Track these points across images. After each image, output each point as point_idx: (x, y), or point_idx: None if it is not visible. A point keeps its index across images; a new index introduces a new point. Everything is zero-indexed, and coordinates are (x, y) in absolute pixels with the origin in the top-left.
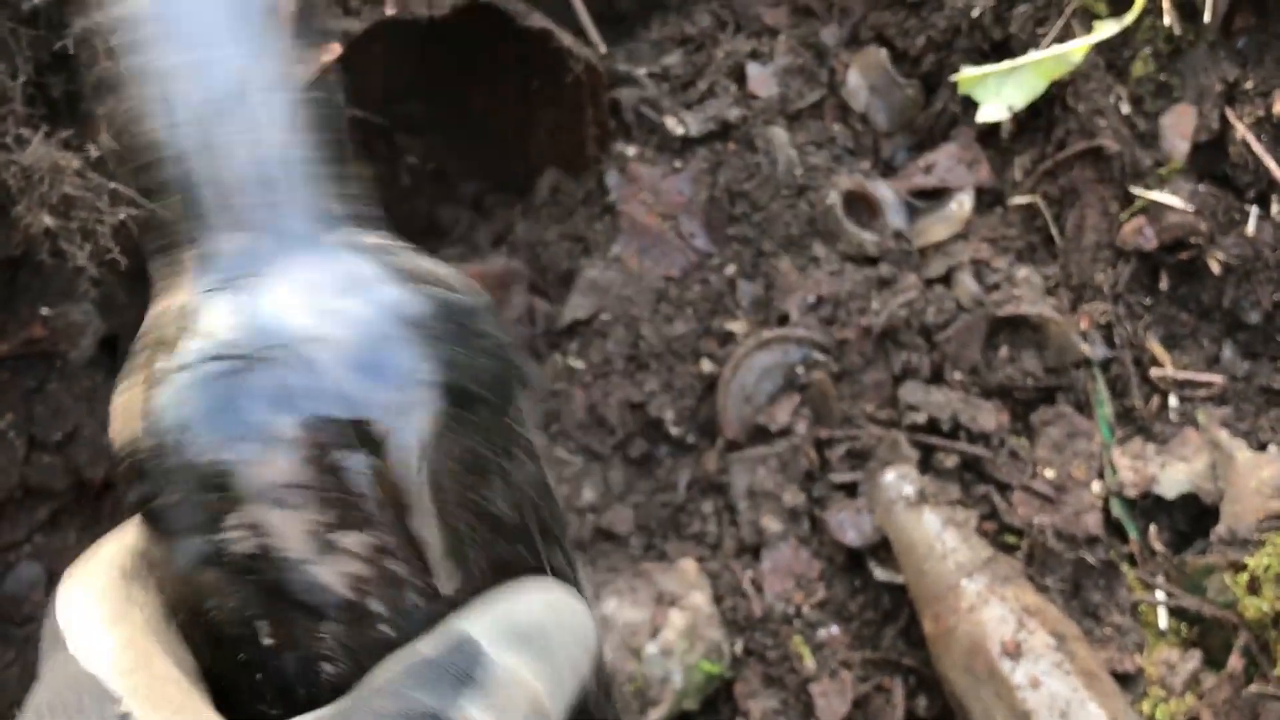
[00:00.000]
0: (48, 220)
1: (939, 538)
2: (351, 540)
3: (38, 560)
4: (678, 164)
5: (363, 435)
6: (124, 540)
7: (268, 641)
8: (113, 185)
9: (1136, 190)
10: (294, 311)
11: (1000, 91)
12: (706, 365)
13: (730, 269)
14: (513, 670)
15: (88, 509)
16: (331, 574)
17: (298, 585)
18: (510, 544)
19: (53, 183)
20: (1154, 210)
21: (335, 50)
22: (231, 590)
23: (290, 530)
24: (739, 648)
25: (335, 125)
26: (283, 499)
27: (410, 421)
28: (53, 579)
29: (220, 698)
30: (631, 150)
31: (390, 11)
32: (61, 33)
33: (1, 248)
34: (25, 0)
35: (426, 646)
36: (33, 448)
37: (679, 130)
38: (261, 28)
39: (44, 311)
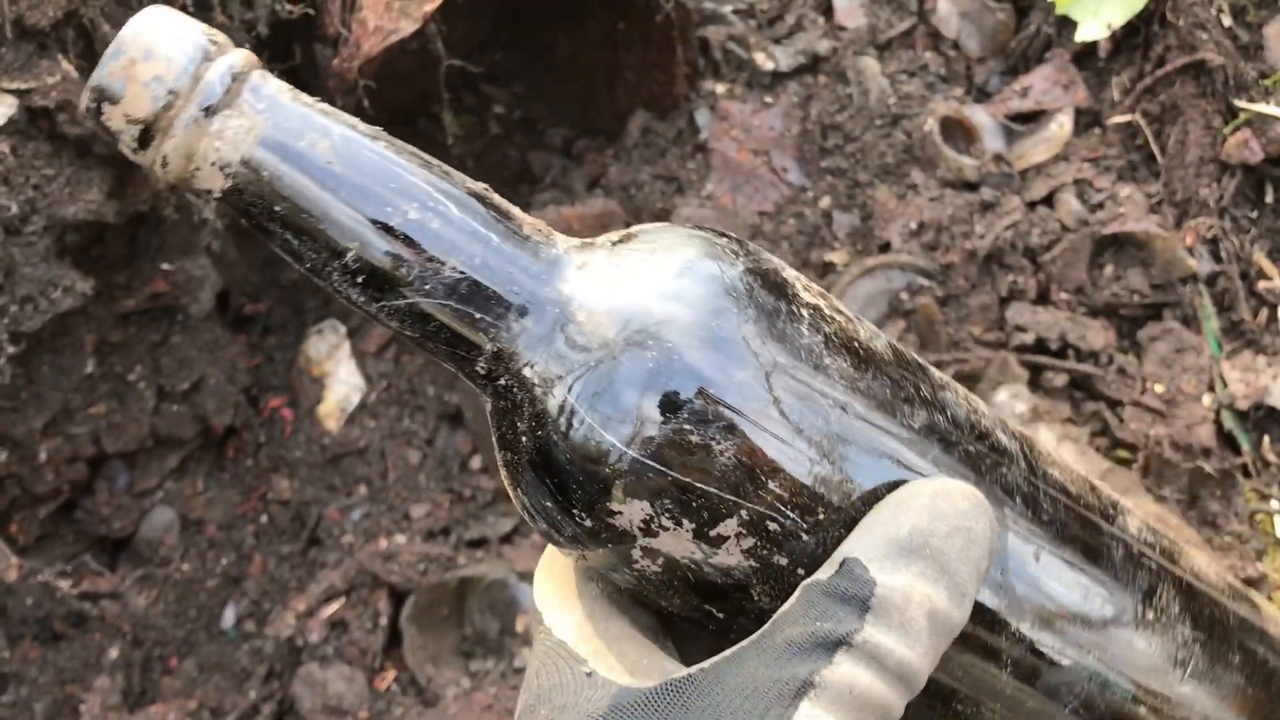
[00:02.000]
0: None
1: (1055, 453)
2: (730, 525)
3: (170, 505)
4: (768, 99)
5: (716, 408)
6: None
7: (716, 622)
8: None
9: (1240, 103)
10: (640, 300)
11: (1099, 10)
12: None
13: (825, 201)
14: (903, 587)
15: (213, 455)
16: (731, 559)
17: (711, 580)
18: (876, 434)
19: None
20: (1259, 123)
21: (436, 1)
22: (658, 596)
23: (676, 545)
24: None
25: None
26: (662, 502)
27: (752, 382)
28: (185, 523)
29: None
30: (721, 88)
31: None
32: None
33: (129, 204)
34: None
35: (823, 574)
36: (161, 398)
37: (768, 65)
38: (401, 161)
39: (165, 267)
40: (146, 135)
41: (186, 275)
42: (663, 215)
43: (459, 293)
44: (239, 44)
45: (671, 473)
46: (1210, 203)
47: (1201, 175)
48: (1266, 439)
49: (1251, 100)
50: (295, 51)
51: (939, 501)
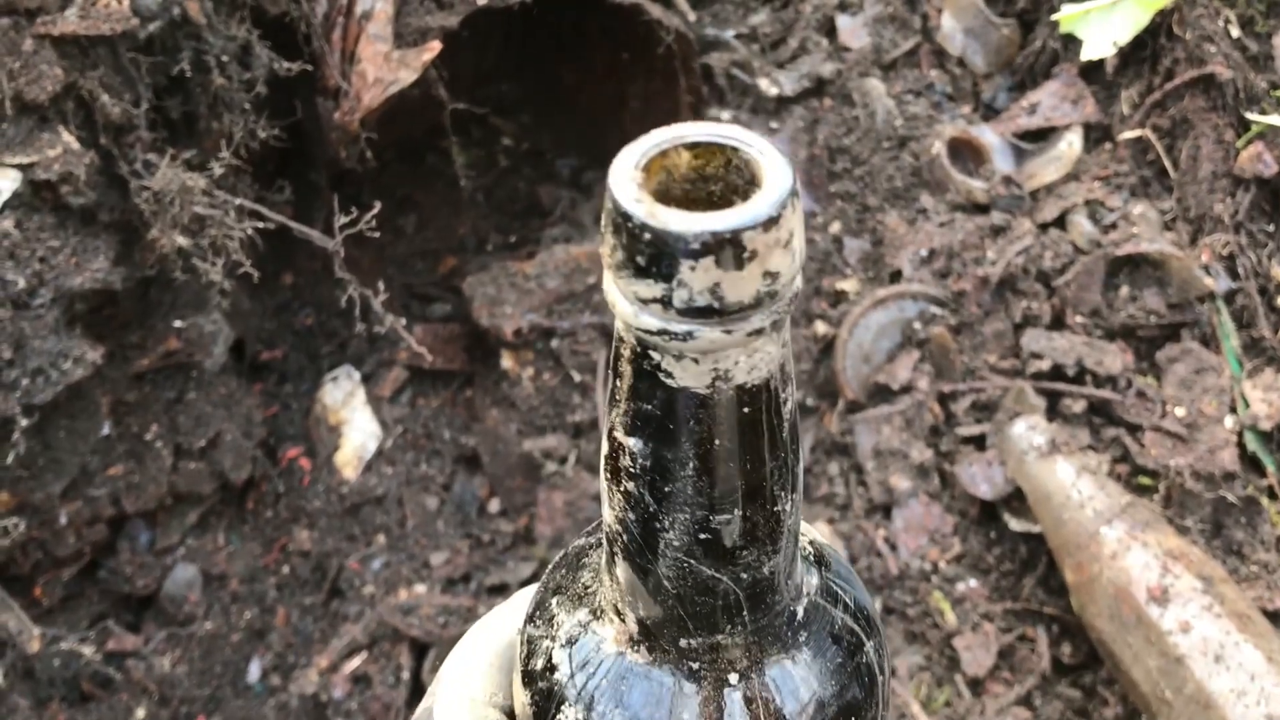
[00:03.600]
0: (181, 240)
1: (1074, 486)
2: None
3: (192, 561)
4: (774, 124)
5: None
6: (499, 633)
7: None
8: (239, 200)
9: (1252, 116)
10: None
11: (1104, 28)
12: (820, 326)
13: (835, 226)
14: None
15: (233, 508)
16: None
17: None
18: None
19: (183, 204)
20: (1271, 135)
21: (435, 48)
22: None
23: None
24: (878, 606)
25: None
26: None
27: None
28: (208, 579)
29: None
30: (726, 114)
31: (483, 1)
32: (176, 56)
33: (136, 269)
34: (141, 28)
35: None
36: (179, 456)
37: (773, 90)
38: None
39: (177, 324)
40: None
41: (199, 331)
42: None
43: None
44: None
45: None
46: (1225, 218)
47: (1215, 190)
48: None
49: (1263, 112)
50: (296, 107)
51: None
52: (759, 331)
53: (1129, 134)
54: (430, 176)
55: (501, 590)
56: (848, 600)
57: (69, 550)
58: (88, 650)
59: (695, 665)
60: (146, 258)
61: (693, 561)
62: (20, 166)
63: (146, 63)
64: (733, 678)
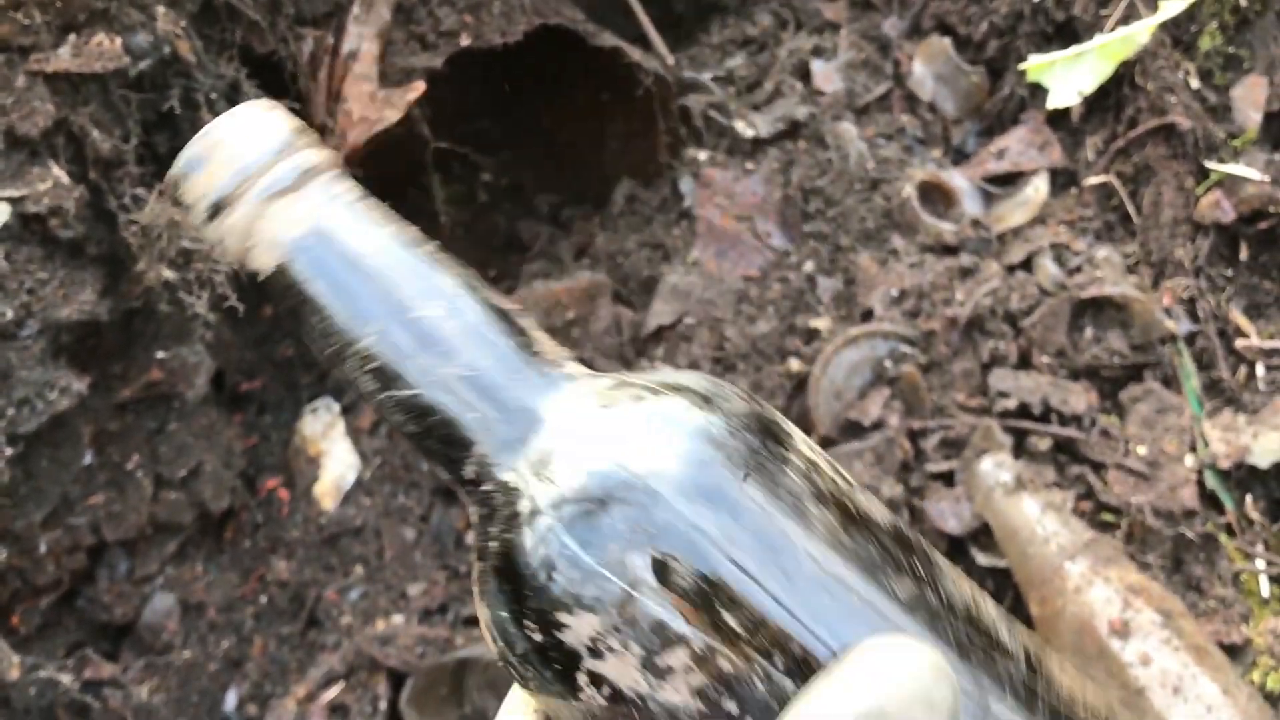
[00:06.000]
0: (168, 274)
1: (1039, 522)
2: (680, 656)
3: (170, 590)
4: (750, 165)
5: (683, 532)
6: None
7: None
8: None
9: (1211, 164)
10: (627, 453)
11: (1069, 78)
12: (794, 364)
13: (809, 265)
14: None
15: (212, 538)
16: (678, 696)
17: (659, 715)
18: (848, 592)
19: (170, 238)
20: (1230, 183)
21: (420, 88)
22: None
23: (623, 672)
24: None
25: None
26: (613, 618)
27: (725, 512)
28: (185, 608)
29: None
30: (703, 155)
31: (466, 42)
32: (166, 93)
33: (122, 301)
34: (133, 66)
35: None
36: (159, 486)
37: (749, 132)
38: (435, 268)
39: (159, 355)
40: (215, 210)
41: (181, 361)
42: (650, 283)
43: (459, 392)
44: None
45: (627, 588)
46: (1186, 263)
47: (1176, 236)
48: (1249, 498)
49: (1222, 160)
50: None
51: (898, 665)
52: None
53: (1094, 180)
54: (411, 212)
55: (478, 621)
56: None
57: (48, 578)
58: (65, 678)
59: None
60: (133, 290)
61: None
62: (10, 200)
63: (136, 99)
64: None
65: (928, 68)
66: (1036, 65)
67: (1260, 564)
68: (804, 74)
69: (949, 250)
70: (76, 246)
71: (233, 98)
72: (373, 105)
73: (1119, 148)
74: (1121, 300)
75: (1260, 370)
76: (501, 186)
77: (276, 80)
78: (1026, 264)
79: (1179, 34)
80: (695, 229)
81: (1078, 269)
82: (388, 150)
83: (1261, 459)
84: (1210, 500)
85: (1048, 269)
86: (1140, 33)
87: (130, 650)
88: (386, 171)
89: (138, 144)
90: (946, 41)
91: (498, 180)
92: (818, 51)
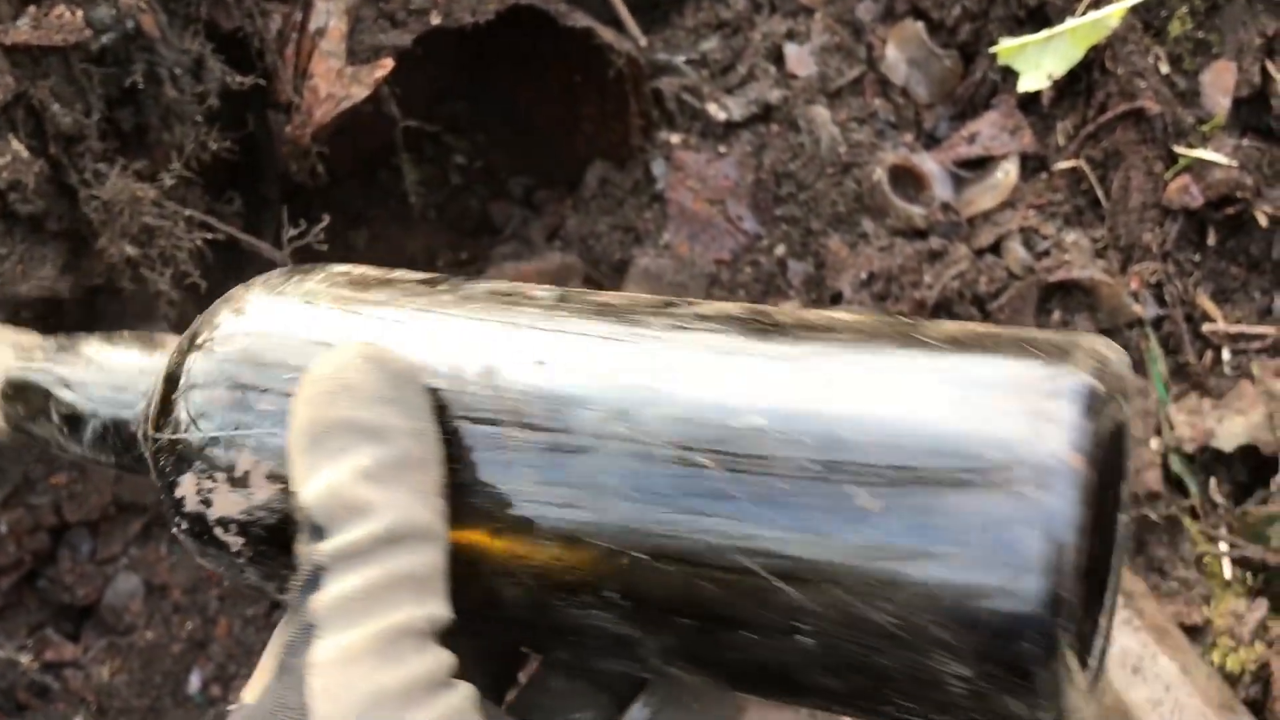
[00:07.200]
0: (130, 250)
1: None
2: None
3: (134, 572)
4: (722, 149)
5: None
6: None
7: None
8: (189, 212)
9: (1180, 149)
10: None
11: (1040, 61)
12: None
13: (780, 249)
14: (329, 481)
15: None
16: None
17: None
18: None
19: (132, 214)
20: (1198, 168)
21: (388, 65)
22: None
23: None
24: None
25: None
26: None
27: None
28: (149, 589)
29: None
30: (676, 138)
31: (436, 21)
32: (129, 68)
33: (85, 278)
34: (95, 40)
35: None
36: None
37: (721, 115)
38: None
39: (125, 334)
40: None
41: None
42: (622, 265)
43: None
44: (189, 117)
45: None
46: (1154, 247)
47: (1145, 220)
48: (1214, 481)
49: (1190, 146)
50: (248, 120)
51: (315, 385)
52: None
53: (1064, 164)
54: (382, 193)
55: None
56: None
57: (9, 559)
58: (25, 659)
59: None
60: (94, 266)
61: None
62: None
63: (99, 74)
64: None
65: (901, 52)
66: (1007, 48)
67: (1223, 546)
68: (777, 57)
69: (919, 234)
70: (36, 221)
71: (197, 73)
72: (340, 82)
73: (1089, 132)
74: (1089, 284)
75: (1226, 355)
76: (474, 168)
77: (243, 56)
78: (995, 248)
79: (1149, 18)
80: (667, 212)
81: (1046, 253)
82: (357, 129)
83: (1226, 442)
84: (1175, 483)
85: (1016, 253)
86: (1110, 17)
87: (92, 631)
88: (356, 151)
89: (100, 119)
90: (919, 25)
91: (470, 162)
92: (791, 35)
